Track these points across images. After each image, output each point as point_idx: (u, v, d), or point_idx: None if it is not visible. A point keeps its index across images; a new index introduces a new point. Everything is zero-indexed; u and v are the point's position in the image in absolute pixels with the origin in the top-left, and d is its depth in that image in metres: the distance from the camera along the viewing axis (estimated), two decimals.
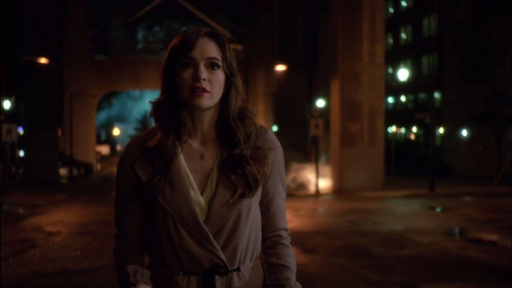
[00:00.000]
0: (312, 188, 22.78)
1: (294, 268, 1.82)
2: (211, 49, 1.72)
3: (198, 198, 1.71)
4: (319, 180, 22.50)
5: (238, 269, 1.73)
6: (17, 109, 32.74)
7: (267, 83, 39.01)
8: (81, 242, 10.57)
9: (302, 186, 23.87)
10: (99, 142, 62.97)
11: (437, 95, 32.24)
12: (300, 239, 10.41)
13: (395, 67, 44.46)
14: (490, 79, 29.41)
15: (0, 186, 19.76)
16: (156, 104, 1.78)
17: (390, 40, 47.62)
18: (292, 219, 13.81)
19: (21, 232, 12.25)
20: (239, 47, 42.05)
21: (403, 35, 48.12)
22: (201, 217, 1.69)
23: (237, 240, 1.72)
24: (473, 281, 7.16)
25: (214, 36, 1.75)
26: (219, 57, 1.73)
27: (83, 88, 38.50)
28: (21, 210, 16.63)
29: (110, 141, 77.15)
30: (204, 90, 1.68)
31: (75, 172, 33.43)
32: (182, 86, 1.70)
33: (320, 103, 31.54)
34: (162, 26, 48.06)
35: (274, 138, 1.84)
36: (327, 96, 29.08)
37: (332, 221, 13.41)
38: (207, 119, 1.76)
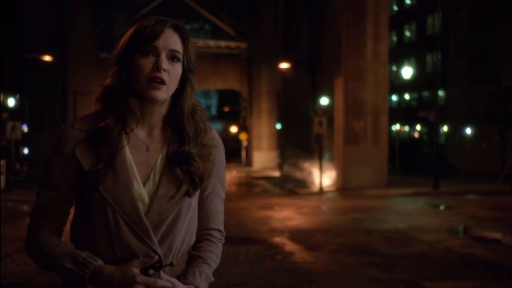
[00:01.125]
0: (315, 186, 22.78)
1: (212, 263, 1.78)
2: (174, 41, 1.69)
3: (141, 191, 1.68)
4: (322, 178, 22.48)
5: (171, 264, 1.70)
6: (21, 106, 32.82)
7: (271, 81, 38.99)
8: None
9: (306, 184, 23.87)
10: None
11: (441, 93, 32.18)
12: (303, 237, 10.43)
13: (399, 65, 44.43)
14: (495, 77, 29.34)
15: (5, 183, 19.80)
16: (106, 89, 1.73)
17: (394, 38, 47.55)
18: (295, 217, 13.83)
19: (26, 229, 12.24)
20: (242, 45, 42.02)
21: (407, 33, 48.04)
22: (142, 210, 1.66)
23: (174, 235, 1.70)
24: (477, 279, 7.16)
25: (178, 29, 1.72)
26: (181, 51, 1.70)
27: (87, 86, 38.43)
28: (25, 207, 16.66)
29: None
30: (162, 81, 1.65)
31: None
32: (139, 74, 1.66)
33: (324, 101, 31.51)
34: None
35: (217, 135, 1.82)
36: (330, 94, 29.04)
37: (336, 219, 13.41)
38: (157, 112, 1.72)
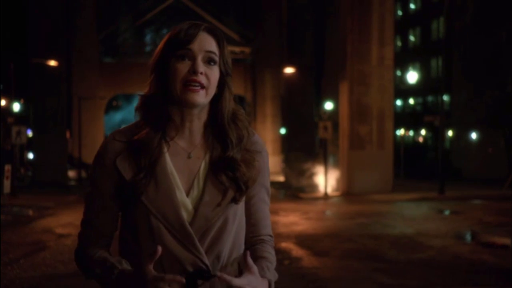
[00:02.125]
0: (320, 191, 22.73)
1: (273, 263, 1.76)
2: (210, 43, 1.66)
3: (184, 199, 1.64)
4: (327, 183, 22.43)
5: (215, 275, 1.64)
6: (26, 111, 32.85)
7: (275, 86, 38.97)
8: None
9: (310, 188, 23.81)
10: None
11: (445, 97, 32.12)
12: (310, 242, 10.38)
13: (404, 70, 44.39)
14: (500, 82, 29.27)
15: (10, 188, 19.79)
16: (145, 98, 1.70)
17: (399, 43, 47.51)
18: (301, 222, 13.78)
19: (32, 234, 12.27)
20: (247, 50, 42.05)
21: (412, 38, 48.00)
22: (186, 218, 1.63)
23: (222, 244, 1.66)
24: (487, 286, 7.10)
25: (212, 32, 1.69)
26: (217, 53, 1.67)
27: (91, 91, 38.56)
28: (30, 212, 16.66)
29: None
30: (200, 84, 1.62)
31: (83, 174, 33.49)
32: (175, 79, 1.63)
33: (328, 105, 31.48)
34: (170, 29, 48.09)
35: (261, 141, 1.79)
36: (335, 99, 29.01)
37: (342, 224, 13.36)
38: (197, 117, 1.69)
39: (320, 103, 32.13)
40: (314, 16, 33.88)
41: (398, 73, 44.39)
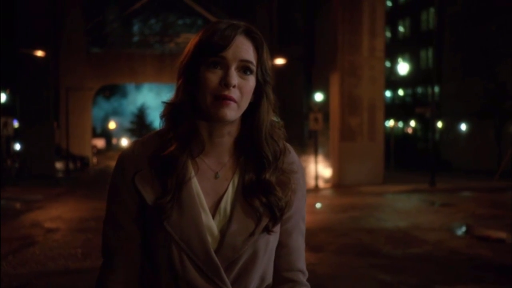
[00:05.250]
0: (310, 183, 22.61)
1: None
2: (247, 50, 1.43)
3: (210, 224, 1.43)
4: (318, 174, 22.32)
5: None
6: (12, 102, 32.42)
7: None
8: (81, 239, 10.35)
9: None
10: (95, 135, 62.70)
11: (435, 88, 32.11)
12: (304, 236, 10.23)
13: (393, 61, 44.34)
14: (490, 73, 29.27)
15: None
16: (171, 106, 1.46)
17: (388, 34, 47.37)
18: None
19: (20, 228, 12.03)
20: None
21: (401, 29, 47.94)
22: (212, 246, 1.42)
23: (250, 277, 1.45)
24: (487, 282, 6.99)
25: (251, 34, 1.45)
26: (254, 61, 1.44)
27: (79, 81, 38.21)
28: (18, 205, 16.40)
29: (106, 134, 76.89)
30: (231, 100, 1.39)
31: (71, 166, 33.17)
32: (204, 90, 1.40)
33: (318, 96, 31.34)
34: (158, 19, 47.76)
35: (298, 159, 1.56)
36: (325, 90, 28.88)
37: (335, 217, 13.23)
38: (227, 132, 1.46)
39: (310, 94, 31.97)
40: (304, 7, 33.67)
41: (388, 64, 44.33)
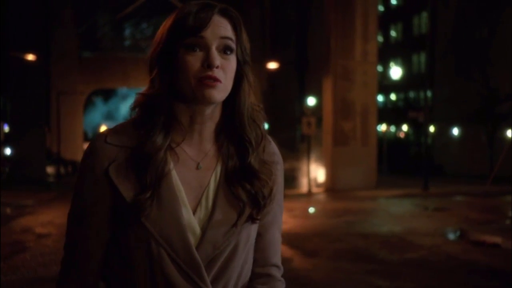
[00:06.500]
0: (303, 187, 22.54)
1: None
2: (225, 28, 1.35)
3: (191, 219, 1.35)
4: (310, 179, 22.27)
5: None
6: (3, 106, 32.20)
7: (258, 81, 38.74)
8: None
9: (293, 185, 23.63)
10: (87, 140, 62.42)
11: (428, 93, 32.17)
12: (299, 241, 10.15)
13: (385, 66, 44.42)
14: (482, 77, 29.34)
15: None
16: (146, 97, 1.37)
17: (380, 38, 47.51)
18: (287, 220, 13.54)
19: (11, 234, 11.88)
20: None
21: (393, 33, 48.06)
22: (193, 243, 1.34)
23: (230, 273, 1.38)
24: (484, 287, 6.92)
25: (227, 13, 1.38)
26: (234, 39, 1.37)
27: (70, 86, 38.02)
28: (8, 210, 16.23)
29: None
30: (217, 80, 1.32)
31: (62, 170, 32.95)
32: (186, 75, 1.32)
33: (311, 101, 31.32)
34: (150, 23, 47.66)
35: (278, 150, 1.50)
36: (318, 94, 28.85)
37: (329, 222, 13.15)
38: (209, 117, 1.39)
39: (303, 99, 31.95)
40: (297, 11, 33.69)
41: (380, 68, 44.41)
